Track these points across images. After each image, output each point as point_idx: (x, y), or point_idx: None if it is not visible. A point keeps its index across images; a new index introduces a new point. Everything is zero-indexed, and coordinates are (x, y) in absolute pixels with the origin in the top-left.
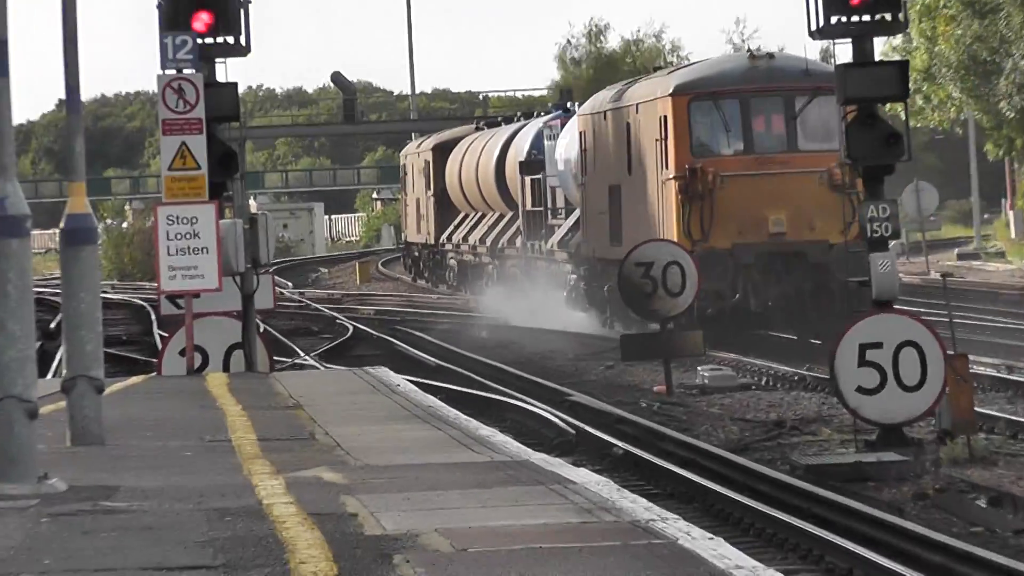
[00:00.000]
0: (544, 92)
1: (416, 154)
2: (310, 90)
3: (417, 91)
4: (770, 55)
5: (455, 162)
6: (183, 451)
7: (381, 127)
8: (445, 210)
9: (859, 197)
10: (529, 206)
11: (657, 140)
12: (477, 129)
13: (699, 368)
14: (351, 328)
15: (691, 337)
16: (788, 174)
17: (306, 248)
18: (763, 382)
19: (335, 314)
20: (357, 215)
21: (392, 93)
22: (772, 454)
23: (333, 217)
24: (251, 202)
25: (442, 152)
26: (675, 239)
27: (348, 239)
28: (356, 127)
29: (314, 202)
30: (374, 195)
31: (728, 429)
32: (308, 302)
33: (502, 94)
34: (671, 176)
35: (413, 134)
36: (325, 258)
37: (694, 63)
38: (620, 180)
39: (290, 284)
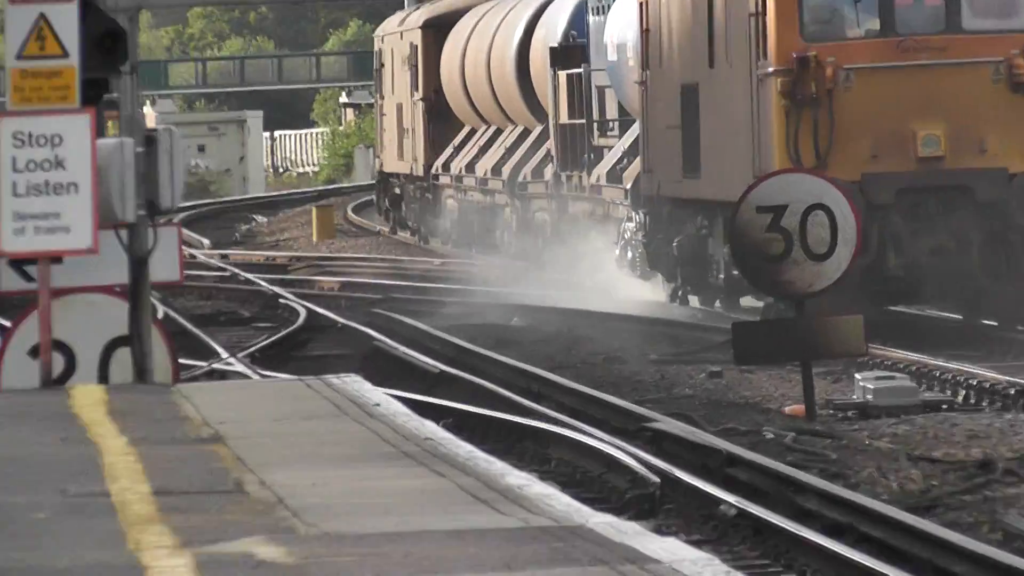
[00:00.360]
0: None
1: (397, 35)
2: None
3: None
4: None
5: (456, 48)
6: (32, 512)
7: None
8: (441, 123)
9: None
10: (564, 117)
11: (751, 15)
12: None
13: (857, 376)
14: (303, 312)
15: (847, 326)
16: (948, 67)
17: (234, 185)
18: (958, 397)
19: (278, 290)
20: (316, 131)
21: None
22: (976, 514)
23: (278, 135)
24: (148, 110)
25: (437, 32)
26: (775, 162)
27: (302, 170)
28: None
29: (248, 110)
30: (343, 98)
31: (905, 475)
32: (235, 271)
33: None
34: (770, 70)
35: (406, 1)
36: (264, 200)
37: None
38: (698, 77)
39: (206, 242)
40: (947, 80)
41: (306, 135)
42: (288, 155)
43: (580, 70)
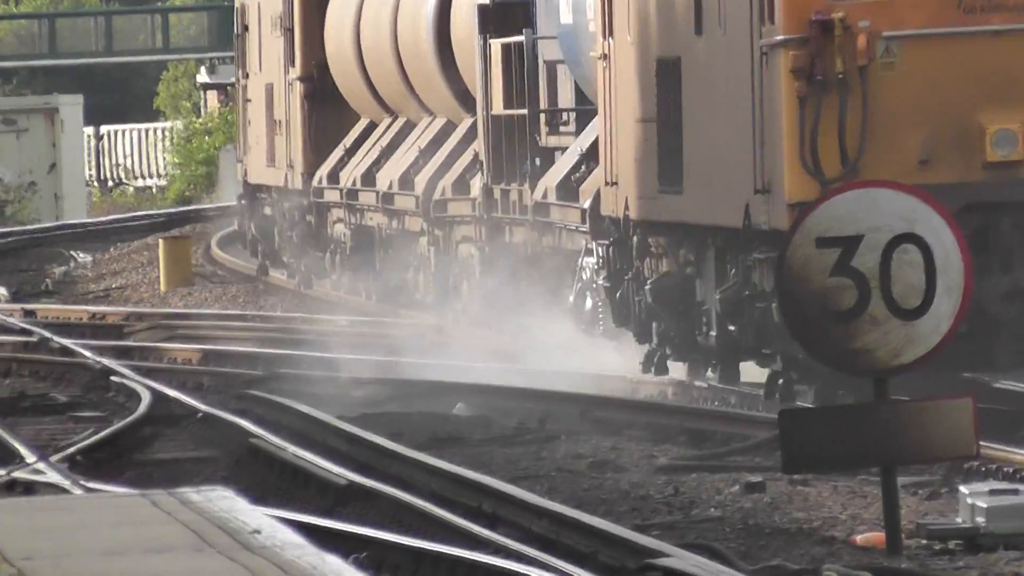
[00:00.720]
0: None
1: None
2: None
3: None
4: None
5: (347, 5)
6: None
7: None
8: (327, 114)
9: None
10: (499, 106)
11: None
12: None
13: (962, 489)
14: (146, 396)
15: (950, 414)
16: None
17: (42, 206)
18: None
19: (109, 363)
20: (163, 126)
21: None
22: None
23: (107, 131)
24: None
25: None
26: (785, 171)
27: (142, 183)
28: None
29: (61, 95)
30: (201, 76)
31: None
32: (46, 335)
33: None
34: (778, 39)
35: None
36: (89, 228)
37: None
38: (681, 48)
39: (2, 292)
40: None
41: (148, 131)
42: (122, 161)
43: (520, 38)
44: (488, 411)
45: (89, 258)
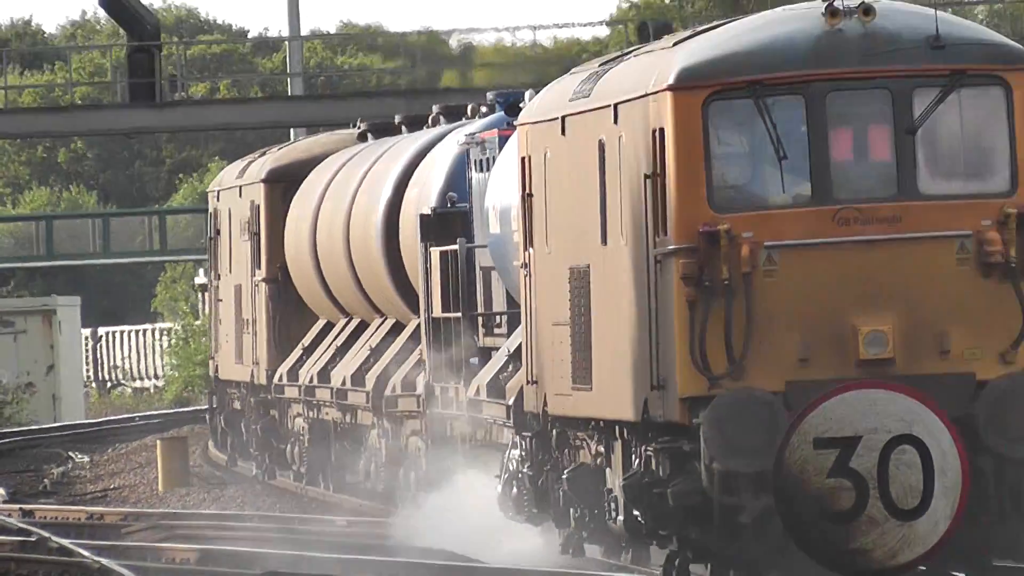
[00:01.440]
0: (604, 30)
1: (235, 191)
2: (50, 27)
3: (307, 29)
4: (865, 7)
5: (305, 211)
6: None
7: (218, 114)
8: (290, 314)
9: None
10: (438, 309)
11: (647, 177)
12: (361, 138)
13: None
14: None
15: None
16: (900, 243)
17: (39, 407)
18: None
19: (108, 563)
20: (160, 327)
21: (246, 34)
22: None
23: (104, 333)
24: None
25: (286, 188)
26: (677, 368)
27: (140, 384)
28: (160, 112)
29: (60, 296)
30: (199, 278)
31: None
32: (44, 534)
33: (507, 35)
34: (670, 248)
35: (293, 132)
36: (87, 430)
37: (723, 23)
38: (590, 258)
39: (0, 492)
40: (899, 260)
41: (145, 333)
42: (119, 363)
43: (455, 247)
44: None
45: (87, 458)
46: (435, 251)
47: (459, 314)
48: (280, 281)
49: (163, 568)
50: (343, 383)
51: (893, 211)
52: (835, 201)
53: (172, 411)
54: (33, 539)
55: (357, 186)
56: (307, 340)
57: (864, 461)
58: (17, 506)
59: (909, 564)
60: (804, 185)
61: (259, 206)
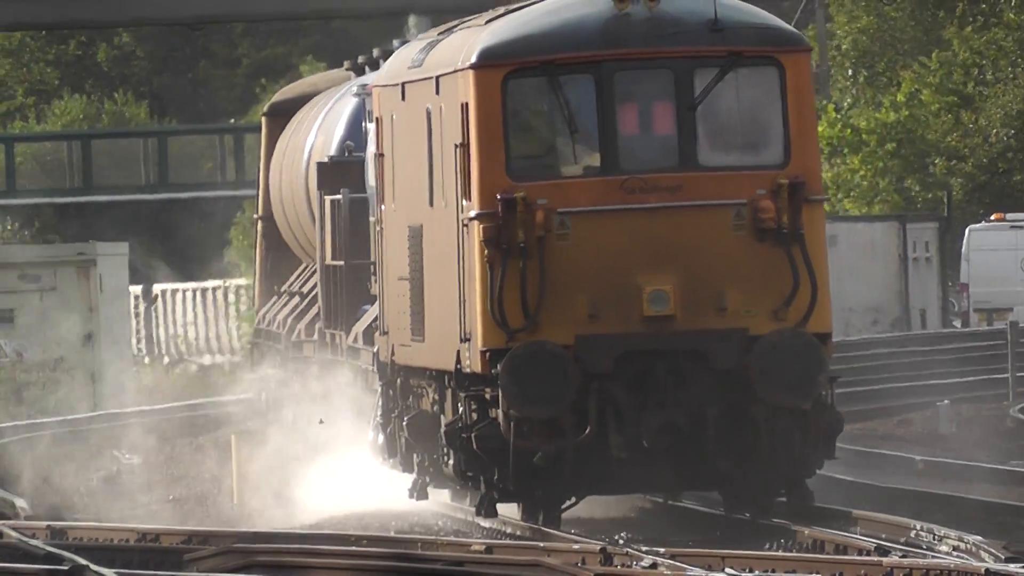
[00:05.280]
0: None
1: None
2: None
3: None
4: None
5: (282, 149)
6: None
7: None
8: (277, 255)
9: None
10: (329, 257)
11: (457, 147)
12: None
13: None
14: None
15: None
16: (680, 210)
17: (74, 390)
18: None
19: None
20: (235, 283)
21: None
22: None
23: (161, 291)
24: None
25: (279, 120)
26: (479, 323)
27: (209, 360)
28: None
29: (100, 242)
30: None
31: None
32: (80, 561)
33: None
34: (472, 214)
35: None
36: (137, 421)
37: (523, 5)
38: (422, 218)
39: (21, 505)
40: (680, 226)
41: (215, 292)
42: (181, 331)
43: (339, 196)
44: None
45: (137, 460)
46: (327, 199)
47: (341, 262)
48: (268, 220)
49: None
50: (277, 326)
51: (675, 181)
52: (622, 171)
53: (250, 396)
54: (65, 567)
55: (305, 132)
56: (289, 284)
57: None
58: (44, 524)
59: None
60: (594, 157)
61: (262, 141)
